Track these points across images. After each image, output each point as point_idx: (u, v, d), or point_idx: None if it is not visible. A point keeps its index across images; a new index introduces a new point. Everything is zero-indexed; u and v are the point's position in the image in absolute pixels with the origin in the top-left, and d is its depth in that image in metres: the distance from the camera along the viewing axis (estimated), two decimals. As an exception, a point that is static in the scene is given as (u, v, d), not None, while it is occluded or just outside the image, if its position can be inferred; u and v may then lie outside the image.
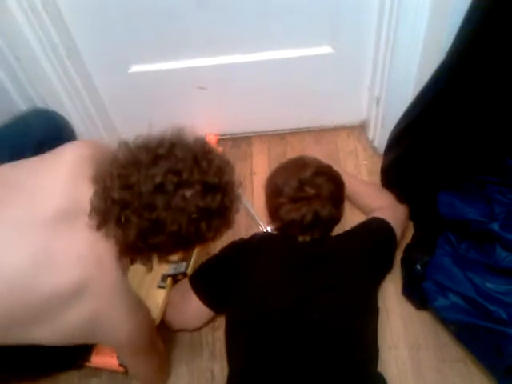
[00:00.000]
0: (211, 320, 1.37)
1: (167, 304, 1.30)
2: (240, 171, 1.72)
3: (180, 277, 1.36)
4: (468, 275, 1.17)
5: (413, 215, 1.44)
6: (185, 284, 1.31)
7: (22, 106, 1.52)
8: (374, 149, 1.74)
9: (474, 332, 1.15)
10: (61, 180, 0.95)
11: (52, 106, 1.53)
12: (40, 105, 1.54)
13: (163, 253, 0.97)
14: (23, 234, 0.89)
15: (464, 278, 1.18)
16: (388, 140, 1.42)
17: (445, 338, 1.29)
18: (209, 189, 0.89)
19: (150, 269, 1.02)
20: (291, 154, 1.77)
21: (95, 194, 0.91)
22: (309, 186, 1.16)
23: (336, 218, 1.23)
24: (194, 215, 0.88)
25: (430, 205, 1.31)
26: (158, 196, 0.86)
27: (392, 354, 1.28)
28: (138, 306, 1.02)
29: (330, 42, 1.52)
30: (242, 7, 1.39)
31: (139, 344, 1.06)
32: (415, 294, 1.32)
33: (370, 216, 1.37)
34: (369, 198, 1.49)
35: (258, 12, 1.41)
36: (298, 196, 1.15)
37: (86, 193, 0.92)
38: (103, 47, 1.49)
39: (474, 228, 1.20)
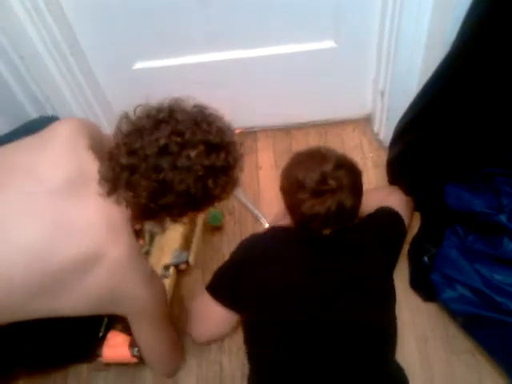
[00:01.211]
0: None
1: (190, 319, 1.30)
2: (245, 166, 1.71)
3: (183, 266, 1.37)
4: (475, 267, 1.17)
5: (420, 207, 1.44)
6: (202, 296, 1.28)
7: (26, 105, 1.53)
8: (380, 142, 1.73)
9: (481, 324, 1.16)
10: (61, 152, 0.98)
11: (56, 103, 1.54)
12: (44, 102, 1.54)
13: (175, 214, 0.99)
14: (32, 208, 0.92)
15: (471, 270, 1.18)
16: (393, 133, 1.42)
17: (453, 329, 1.30)
18: (212, 148, 0.92)
19: (164, 230, 1.13)
20: (296, 148, 1.77)
21: (102, 163, 0.95)
22: (331, 179, 1.12)
23: (358, 208, 1.20)
24: (200, 173, 0.91)
25: (437, 197, 1.30)
26: (164, 158, 0.89)
27: (400, 345, 1.25)
28: (152, 273, 1.05)
29: (333, 36, 1.52)
30: (244, 2, 1.39)
31: (155, 314, 1.07)
32: (423, 286, 1.32)
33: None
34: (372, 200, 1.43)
35: (260, 7, 1.40)
36: (322, 189, 1.11)
37: (88, 161, 0.98)
38: (106, 44, 1.49)
39: (482, 220, 1.19)
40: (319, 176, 1.12)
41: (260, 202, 1.63)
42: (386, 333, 1.14)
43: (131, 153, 0.91)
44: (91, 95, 1.59)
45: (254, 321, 1.19)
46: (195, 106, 0.98)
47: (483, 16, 1.03)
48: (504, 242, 1.15)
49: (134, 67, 1.56)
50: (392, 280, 1.22)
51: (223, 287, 1.26)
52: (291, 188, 1.18)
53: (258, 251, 1.23)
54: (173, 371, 1.31)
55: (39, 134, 1.04)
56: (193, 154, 0.90)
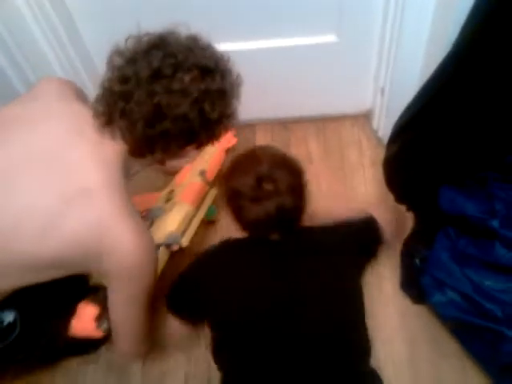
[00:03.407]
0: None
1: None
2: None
3: (175, 247, 1.35)
4: (466, 272, 1.16)
5: (414, 208, 1.43)
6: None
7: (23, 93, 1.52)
8: (378, 139, 1.72)
9: (470, 329, 1.15)
10: (53, 102, 1.00)
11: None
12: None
13: (173, 146, 0.97)
14: (34, 159, 0.92)
15: (462, 275, 1.16)
16: (391, 131, 1.40)
17: (441, 333, 1.29)
18: (206, 72, 0.92)
19: (163, 163, 1.08)
20: (295, 142, 1.77)
21: (96, 98, 0.95)
22: (267, 182, 1.07)
23: (301, 208, 1.15)
24: (195, 96, 0.90)
25: (432, 199, 1.29)
26: (158, 81, 0.89)
27: (388, 348, 1.27)
28: (143, 228, 0.99)
29: (334, 31, 1.50)
30: (245, -6, 1.37)
31: (140, 283, 1.01)
32: (413, 288, 1.32)
33: None
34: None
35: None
36: (258, 195, 1.07)
37: (80, 106, 1.00)
38: (105, 31, 1.47)
39: (474, 224, 1.18)
40: (253, 181, 1.07)
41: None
42: (351, 341, 1.11)
43: (124, 80, 0.90)
44: (90, 84, 1.58)
45: (217, 340, 1.17)
46: (188, 37, 0.96)
47: (487, 13, 1.00)
48: (496, 248, 1.13)
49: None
50: (359, 280, 1.21)
51: (180, 307, 1.23)
52: (230, 196, 1.14)
53: (213, 267, 1.19)
54: (134, 356, 1.27)
55: (27, 92, 1.07)
56: (187, 77, 0.89)
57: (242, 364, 1.09)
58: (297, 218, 1.15)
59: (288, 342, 1.06)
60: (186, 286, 1.22)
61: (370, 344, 1.15)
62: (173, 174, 1.26)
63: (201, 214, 1.49)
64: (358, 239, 1.26)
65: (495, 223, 1.14)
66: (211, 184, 1.52)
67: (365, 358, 1.13)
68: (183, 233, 1.39)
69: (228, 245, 1.22)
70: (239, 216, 1.14)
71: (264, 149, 1.21)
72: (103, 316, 1.15)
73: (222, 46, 1.50)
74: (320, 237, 1.20)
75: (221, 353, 1.16)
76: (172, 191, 1.49)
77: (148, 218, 1.40)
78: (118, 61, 0.93)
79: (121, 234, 0.92)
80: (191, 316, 1.23)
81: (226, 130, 1.03)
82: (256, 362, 1.08)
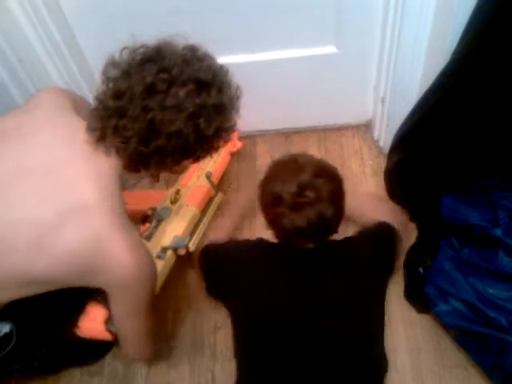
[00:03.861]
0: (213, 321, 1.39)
1: None
2: (244, 171, 1.73)
3: (182, 251, 1.35)
4: (470, 280, 1.16)
5: (417, 218, 1.43)
6: None
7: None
8: (380, 149, 1.72)
9: (474, 338, 1.14)
10: (47, 114, 0.99)
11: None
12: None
13: (168, 161, 0.95)
14: (26, 171, 0.91)
15: (465, 284, 1.16)
16: (392, 142, 1.41)
17: (446, 342, 1.28)
18: (202, 85, 0.89)
19: (157, 179, 1.07)
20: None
21: (91, 111, 0.94)
22: (309, 190, 1.05)
23: (340, 218, 1.14)
24: (190, 111, 0.87)
25: (434, 208, 1.29)
26: (152, 97, 0.86)
27: (392, 357, 1.26)
28: (139, 243, 0.97)
29: (334, 42, 1.51)
30: (246, 7, 1.39)
31: (140, 293, 1.00)
32: (417, 297, 1.31)
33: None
34: (368, 212, 1.39)
35: (262, 11, 1.40)
36: (300, 202, 1.05)
37: (75, 119, 0.97)
38: (106, 46, 1.48)
39: (477, 233, 1.18)
40: (296, 188, 1.06)
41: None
42: (369, 357, 1.12)
43: (118, 96, 0.88)
44: (91, 98, 1.59)
45: (237, 336, 1.18)
46: (185, 48, 0.92)
47: (484, 24, 1.02)
48: (499, 256, 1.13)
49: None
50: (379, 298, 1.21)
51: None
52: (269, 203, 1.12)
53: (243, 255, 1.21)
54: (141, 357, 1.29)
55: (23, 105, 1.05)
56: (182, 92, 0.86)
57: (258, 368, 1.10)
58: (335, 227, 1.14)
59: (306, 352, 1.06)
60: (213, 261, 1.26)
61: (387, 361, 1.17)
62: (179, 172, 1.26)
63: (208, 218, 1.48)
64: (384, 255, 1.26)
65: (498, 232, 1.14)
66: (216, 188, 1.51)
67: (380, 374, 1.14)
68: (190, 237, 1.39)
69: (263, 245, 1.21)
70: (276, 223, 1.12)
71: (304, 156, 1.16)
72: (112, 319, 1.15)
73: (222, 59, 1.53)
74: (348, 249, 1.19)
75: (239, 349, 1.18)
76: (178, 191, 1.49)
77: (153, 217, 1.40)
78: (113, 72, 0.91)
79: (116, 251, 0.91)
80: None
81: (226, 142, 1.01)
82: (272, 368, 1.08)
